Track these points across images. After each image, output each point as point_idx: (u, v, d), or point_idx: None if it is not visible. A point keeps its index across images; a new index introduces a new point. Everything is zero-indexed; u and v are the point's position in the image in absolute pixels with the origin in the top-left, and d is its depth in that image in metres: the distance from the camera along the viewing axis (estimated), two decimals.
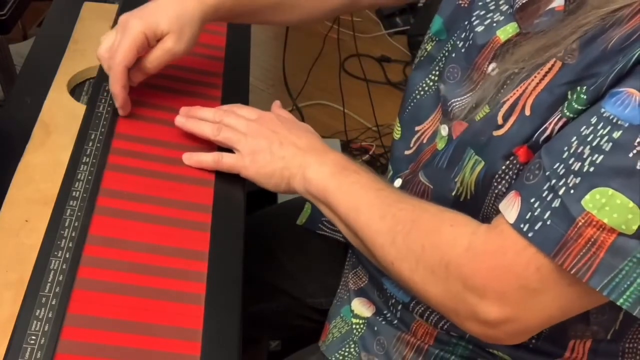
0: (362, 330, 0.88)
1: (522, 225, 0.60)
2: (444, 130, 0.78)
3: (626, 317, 0.74)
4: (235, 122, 0.83)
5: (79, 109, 0.87)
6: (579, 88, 0.61)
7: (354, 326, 0.89)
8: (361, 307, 0.90)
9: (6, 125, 0.88)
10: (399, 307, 0.85)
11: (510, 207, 0.62)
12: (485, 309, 0.63)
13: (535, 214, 0.60)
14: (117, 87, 0.81)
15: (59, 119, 0.86)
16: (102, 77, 0.90)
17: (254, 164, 0.80)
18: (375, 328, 0.87)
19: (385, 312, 0.87)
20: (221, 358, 0.66)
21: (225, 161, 0.82)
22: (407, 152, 0.85)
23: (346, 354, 0.88)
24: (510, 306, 0.62)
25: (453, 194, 0.74)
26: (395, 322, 0.86)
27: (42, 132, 0.84)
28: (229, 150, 0.83)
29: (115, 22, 1.01)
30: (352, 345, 0.88)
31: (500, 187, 0.68)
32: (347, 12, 0.99)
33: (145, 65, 0.82)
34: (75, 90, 0.94)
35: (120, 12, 1.02)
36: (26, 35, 2.00)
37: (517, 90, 0.66)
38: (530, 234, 0.60)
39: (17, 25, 1.47)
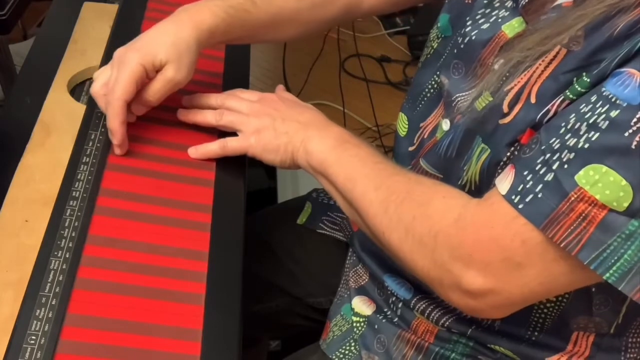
0: (363, 329, 0.88)
1: (513, 197, 0.61)
2: (445, 124, 0.78)
3: (629, 311, 0.75)
4: (237, 105, 0.84)
5: (79, 109, 0.87)
6: (584, 74, 0.62)
7: (354, 324, 0.89)
8: (362, 305, 0.90)
9: (6, 125, 0.88)
10: (400, 305, 0.85)
11: (504, 180, 0.63)
12: (468, 279, 0.64)
13: (527, 186, 0.61)
14: (116, 123, 0.77)
15: (59, 119, 0.86)
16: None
17: (259, 142, 0.81)
18: (376, 326, 0.87)
19: (385, 310, 0.87)
20: (221, 358, 0.66)
21: (231, 145, 0.82)
22: (410, 149, 0.86)
23: (347, 352, 0.88)
24: (494, 278, 0.63)
25: (460, 182, 0.75)
26: (396, 320, 0.86)
27: (42, 132, 0.84)
28: (231, 137, 0.83)
29: (115, 22, 1.01)
30: (353, 344, 0.88)
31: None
32: (343, 22, 0.98)
33: (147, 99, 0.80)
34: (75, 90, 0.94)
35: (121, 12, 1.03)
36: (26, 35, 2.00)
37: (522, 78, 0.67)
38: (520, 206, 0.61)
39: (17, 25, 1.47)
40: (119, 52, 0.80)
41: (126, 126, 0.79)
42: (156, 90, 0.80)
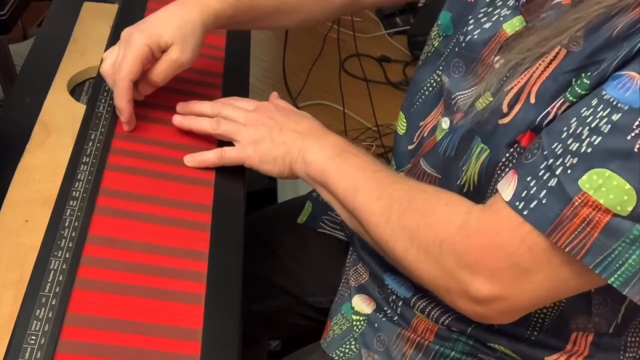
0: (363, 327, 0.88)
1: (517, 203, 0.61)
2: (445, 123, 0.78)
3: (628, 311, 0.75)
4: (233, 114, 0.84)
5: (79, 109, 0.87)
6: (583, 75, 0.62)
7: (354, 323, 0.89)
8: (362, 304, 0.90)
9: (6, 125, 0.88)
10: (400, 304, 0.85)
11: (506, 186, 0.63)
12: (476, 287, 0.64)
13: (531, 192, 0.60)
14: (122, 101, 0.80)
15: (59, 119, 0.86)
16: (102, 77, 0.90)
17: (257, 152, 0.81)
18: (376, 325, 0.87)
19: (385, 308, 0.87)
20: (221, 358, 0.66)
21: (228, 155, 0.82)
22: (410, 147, 0.86)
23: (347, 350, 0.88)
24: (501, 284, 0.63)
25: (458, 182, 0.75)
26: (396, 318, 0.86)
27: (42, 132, 0.84)
28: (230, 144, 0.83)
29: (115, 22, 1.01)
30: (353, 342, 0.88)
31: (503, 175, 0.68)
32: (347, 13, 1.00)
33: (153, 79, 0.82)
34: (75, 90, 0.94)
35: (121, 12, 1.03)
36: (26, 35, 2.00)
37: (522, 79, 0.67)
38: (525, 212, 0.61)
39: (17, 25, 1.47)
40: (126, 32, 0.82)
41: (133, 104, 0.81)
42: (161, 71, 0.81)
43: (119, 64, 0.79)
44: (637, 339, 0.78)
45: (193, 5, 0.83)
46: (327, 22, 0.95)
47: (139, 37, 0.79)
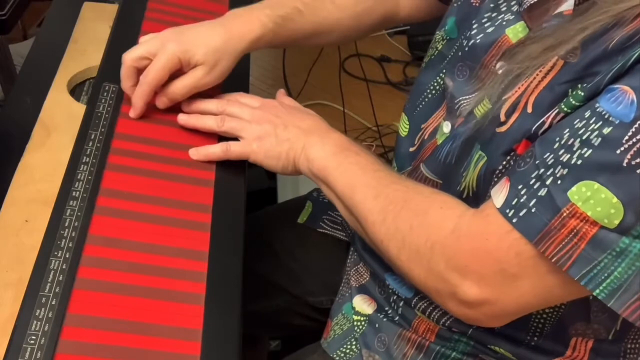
0: (364, 327, 0.88)
1: (507, 211, 0.62)
2: (446, 127, 0.78)
3: None
4: (238, 111, 0.85)
5: (79, 109, 0.87)
6: (579, 86, 0.62)
7: (355, 323, 0.89)
8: (362, 304, 0.90)
9: (6, 125, 0.88)
10: (401, 304, 0.85)
11: (499, 192, 0.64)
12: (464, 289, 0.65)
13: (522, 200, 0.61)
14: (140, 102, 0.83)
15: (59, 119, 0.86)
16: (102, 77, 0.90)
17: (261, 148, 0.82)
18: (377, 325, 0.87)
19: (386, 308, 0.87)
20: (221, 358, 0.66)
21: (233, 149, 0.83)
22: (411, 149, 0.86)
23: (347, 351, 0.88)
24: (489, 288, 0.64)
25: (458, 188, 0.75)
26: (397, 318, 0.86)
27: (42, 132, 0.84)
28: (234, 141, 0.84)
29: (115, 22, 1.01)
30: (354, 342, 0.88)
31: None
32: (381, 29, 1.03)
33: (174, 91, 0.84)
34: (75, 90, 0.94)
35: (121, 12, 1.03)
36: (26, 35, 2.00)
37: (520, 88, 0.67)
38: (514, 220, 0.61)
39: (17, 25, 1.47)
40: (164, 35, 0.84)
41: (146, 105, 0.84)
42: (182, 86, 0.83)
43: (148, 69, 0.81)
44: (637, 345, 0.79)
45: (235, 32, 0.84)
46: (361, 38, 1.04)
47: (174, 48, 0.81)
